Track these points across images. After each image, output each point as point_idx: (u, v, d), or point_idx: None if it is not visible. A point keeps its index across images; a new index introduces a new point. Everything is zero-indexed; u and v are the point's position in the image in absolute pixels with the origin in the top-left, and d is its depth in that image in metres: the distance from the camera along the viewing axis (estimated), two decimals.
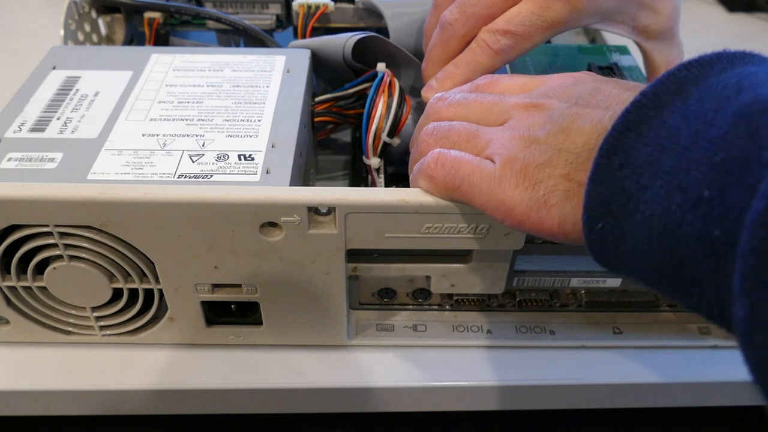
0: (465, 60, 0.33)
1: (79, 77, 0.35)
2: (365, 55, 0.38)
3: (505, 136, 0.25)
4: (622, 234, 0.21)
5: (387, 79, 0.34)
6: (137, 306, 0.30)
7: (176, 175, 0.29)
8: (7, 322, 0.31)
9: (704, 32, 0.59)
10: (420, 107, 0.38)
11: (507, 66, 0.43)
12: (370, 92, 0.34)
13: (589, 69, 0.41)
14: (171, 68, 0.36)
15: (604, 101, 0.24)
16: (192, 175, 0.29)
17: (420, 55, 0.38)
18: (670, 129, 0.20)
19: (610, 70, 0.41)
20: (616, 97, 0.24)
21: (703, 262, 0.18)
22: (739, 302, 0.16)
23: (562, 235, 0.23)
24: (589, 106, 0.24)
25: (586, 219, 0.22)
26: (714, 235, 0.18)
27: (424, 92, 0.34)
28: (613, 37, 0.52)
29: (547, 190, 0.23)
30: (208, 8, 0.44)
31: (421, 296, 0.33)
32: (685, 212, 0.18)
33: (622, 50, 0.45)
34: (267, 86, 0.34)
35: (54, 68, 0.36)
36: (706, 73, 0.20)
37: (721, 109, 0.19)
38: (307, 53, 0.37)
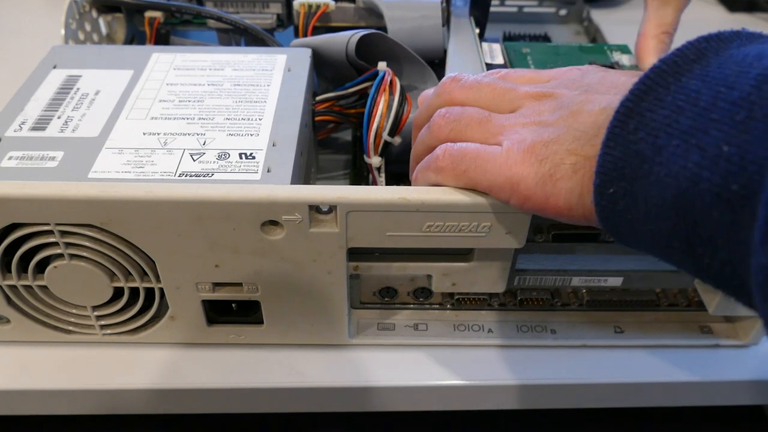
0: None
1: (79, 76, 0.35)
2: (367, 52, 0.38)
3: (517, 122, 0.26)
4: (634, 198, 0.21)
5: (388, 78, 0.34)
6: (138, 305, 0.30)
7: (177, 174, 0.29)
8: (8, 321, 0.31)
9: (704, 32, 0.59)
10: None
11: (507, 61, 0.43)
12: (371, 91, 0.34)
13: None
14: (172, 67, 0.36)
15: (612, 87, 0.24)
16: (193, 173, 0.29)
17: (419, 56, 0.38)
18: (688, 92, 0.20)
19: (612, 69, 0.41)
20: (624, 83, 0.24)
21: (719, 218, 0.18)
22: (761, 249, 0.16)
23: (567, 209, 0.23)
24: (598, 92, 0.24)
25: (598, 184, 0.21)
26: (732, 189, 0.18)
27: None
28: (613, 37, 0.52)
29: (553, 165, 0.23)
30: (209, 7, 0.44)
31: (422, 295, 0.33)
32: (702, 169, 0.18)
33: (623, 49, 0.45)
34: (268, 85, 0.34)
35: (55, 67, 0.36)
36: (726, 46, 0.21)
37: (742, 73, 0.19)
38: (308, 52, 0.37)
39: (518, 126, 0.25)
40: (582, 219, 0.23)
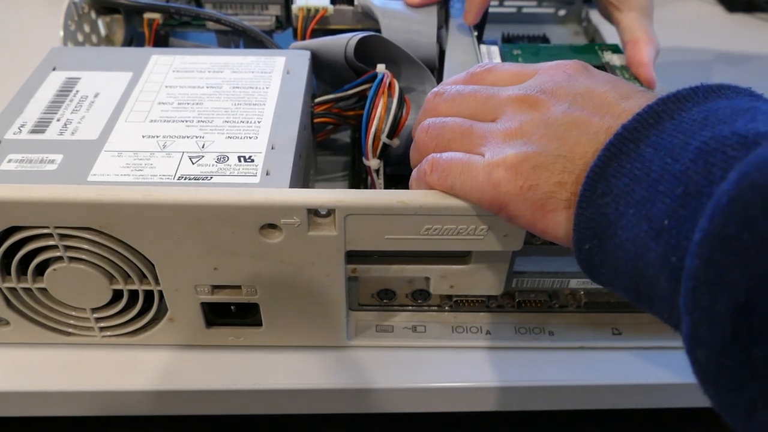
0: None
1: (79, 78, 0.35)
2: (366, 55, 0.38)
3: (498, 131, 0.26)
4: (605, 255, 0.22)
5: (387, 80, 0.34)
6: (137, 307, 0.30)
7: (176, 177, 0.29)
8: (8, 323, 0.31)
9: (704, 32, 0.59)
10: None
11: (499, 55, 0.43)
12: (370, 93, 0.34)
13: None
14: (171, 69, 0.36)
15: (599, 109, 0.24)
16: (192, 176, 0.29)
17: None
18: (643, 161, 0.21)
19: (602, 69, 0.41)
20: (612, 106, 0.24)
21: (665, 284, 0.20)
22: (684, 320, 0.18)
23: (554, 237, 0.25)
24: (584, 112, 0.24)
25: (576, 240, 0.23)
26: (672, 261, 0.19)
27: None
28: (612, 37, 0.52)
29: (544, 196, 0.24)
30: (208, 9, 0.44)
31: (420, 297, 0.33)
32: (650, 239, 0.20)
33: (614, 49, 0.45)
34: (267, 87, 0.35)
35: (54, 69, 0.36)
36: (680, 107, 0.22)
37: (686, 145, 0.20)
38: (307, 54, 0.37)
39: (499, 138, 0.26)
40: (567, 245, 0.24)
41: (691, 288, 0.18)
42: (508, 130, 0.26)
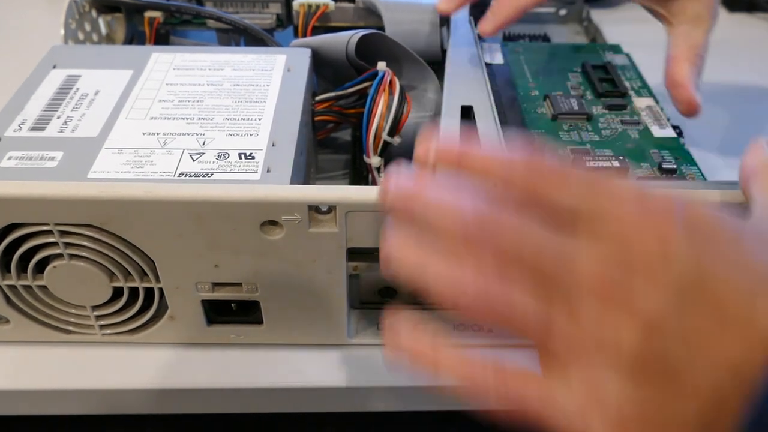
0: None
1: (79, 76, 0.35)
2: (367, 52, 0.38)
3: (587, 347, 0.18)
4: None
5: (387, 78, 0.34)
6: (137, 305, 0.30)
7: (177, 174, 0.29)
8: (7, 321, 0.31)
9: None
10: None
11: (502, 54, 0.43)
12: (371, 91, 0.34)
13: (584, 68, 0.41)
14: (171, 67, 0.36)
15: (722, 320, 0.17)
16: (192, 173, 0.29)
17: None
18: None
19: (604, 69, 0.41)
20: (740, 315, 0.16)
21: None
22: None
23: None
24: (696, 322, 0.17)
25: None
26: None
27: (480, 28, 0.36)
28: (613, 37, 0.52)
29: None
30: (209, 7, 0.44)
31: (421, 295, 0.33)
32: None
33: (616, 49, 0.45)
34: (267, 85, 0.34)
35: (54, 67, 0.36)
36: None
37: None
38: (308, 52, 0.37)
39: (589, 359, 0.18)
40: None
41: None
42: (603, 348, 0.18)
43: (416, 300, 0.33)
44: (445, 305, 0.20)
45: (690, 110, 0.33)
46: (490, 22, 0.36)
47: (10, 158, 0.29)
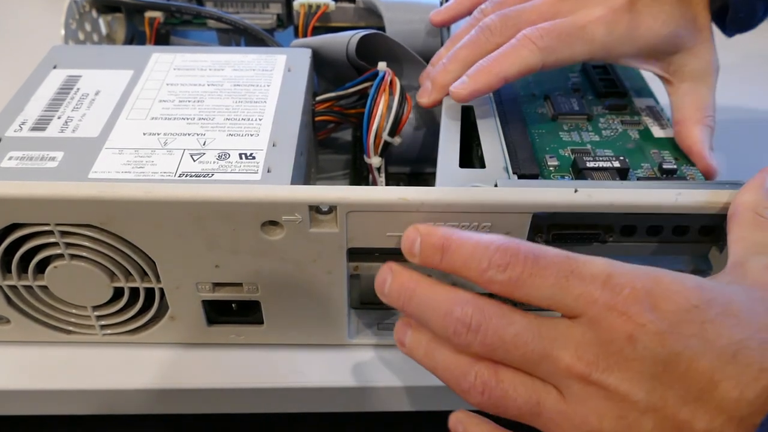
0: (504, 54, 0.31)
1: (79, 76, 0.35)
2: (368, 52, 0.38)
3: (575, 426, 0.21)
4: None
5: (388, 78, 0.34)
6: (138, 305, 0.30)
7: (177, 174, 0.29)
8: (8, 321, 0.31)
9: None
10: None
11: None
12: (371, 91, 0.34)
13: (584, 68, 0.41)
14: (172, 67, 0.36)
15: (695, 398, 0.18)
16: (193, 173, 0.29)
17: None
18: None
19: (604, 69, 0.41)
20: (712, 390, 0.18)
21: None
22: None
23: None
24: (674, 399, 0.19)
25: None
26: None
27: (454, 90, 0.31)
28: None
29: None
30: (209, 8, 0.44)
31: None
32: None
33: None
34: (268, 85, 0.34)
35: (55, 67, 0.36)
36: None
37: None
38: (308, 52, 0.37)
39: (576, 430, 0.21)
40: None
41: None
42: (587, 426, 0.20)
43: None
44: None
45: (708, 176, 0.31)
46: (466, 86, 0.31)
47: (10, 158, 0.29)
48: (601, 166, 0.31)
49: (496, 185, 0.28)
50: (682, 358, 0.19)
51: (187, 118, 0.32)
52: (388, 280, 0.25)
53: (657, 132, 0.35)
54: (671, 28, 0.32)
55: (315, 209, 0.27)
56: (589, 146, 0.34)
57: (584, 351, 0.20)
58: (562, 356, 0.21)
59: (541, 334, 0.21)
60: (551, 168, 0.32)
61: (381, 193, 0.26)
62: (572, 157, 0.32)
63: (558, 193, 0.27)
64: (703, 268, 0.31)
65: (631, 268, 0.21)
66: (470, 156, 0.34)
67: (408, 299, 0.24)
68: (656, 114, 0.37)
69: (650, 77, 0.41)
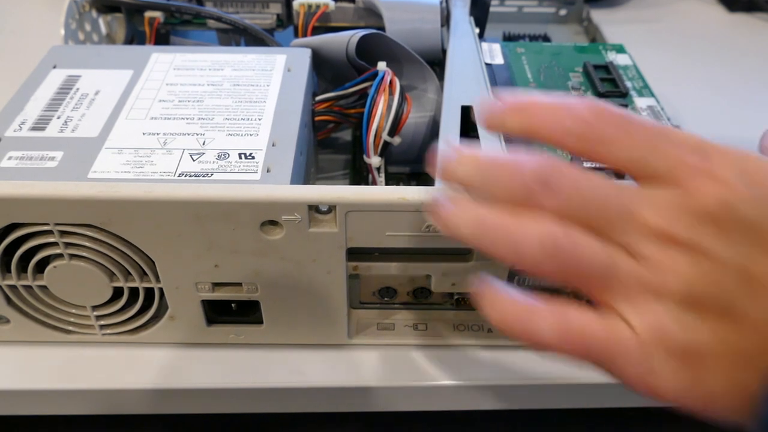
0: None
1: (79, 76, 0.35)
2: (368, 52, 0.38)
3: (647, 286, 0.19)
4: None
5: (388, 78, 0.34)
6: (137, 305, 0.30)
7: (177, 174, 0.29)
8: (7, 321, 0.31)
9: (704, 32, 0.59)
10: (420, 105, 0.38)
11: (502, 54, 0.43)
12: (371, 91, 0.34)
13: (585, 68, 0.41)
14: (171, 67, 0.36)
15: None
16: (192, 173, 0.29)
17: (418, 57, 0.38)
18: None
19: (606, 69, 0.41)
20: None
21: None
22: None
23: (714, 414, 0.19)
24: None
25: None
26: None
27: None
28: (613, 37, 0.52)
29: (714, 383, 0.18)
30: (209, 7, 0.44)
31: (421, 295, 0.33)
32: None
33: (619, 49, 0.45)
34: (267, 85, 0.34)
35: (54, 67, 0.36)
36: None
37: None
38: (308, 52, 0.37)
39: (650, 295, 0.19)
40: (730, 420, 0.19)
41: None
42: (661, 286, 0.19)
43: (416, 300, 0.33)
44: (506, 261, 0.20)
45: None
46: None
47: (10, 158, 0.29)
48: (599, 165, 0.31)
49: None
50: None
51: (187, 118, 0.32)
52: (450, 148, 0.22)
53: None
54: None
55: (314, 209, 0.27)
56: None
57: (669, 210, 0.19)
58: (645, 214, 0.19)
59: (622, 193, 0.20)
60: None
61: (380, 192, 0.26)
62: (570, 157, 0.33)
63: None
64: None
65: (720, 143, 0.20)
66: None
67: (470, 161, 0.21)
68: (657, 114, 0.37)
69: (650, 78, 0.41)
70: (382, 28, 0.41)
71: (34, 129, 0.31)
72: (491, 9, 0.48)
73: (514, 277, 0.31)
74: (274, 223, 0.27)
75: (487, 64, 0.40)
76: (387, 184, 0.35)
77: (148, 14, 0.44)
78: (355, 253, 0.29)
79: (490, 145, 0.31)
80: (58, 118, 0.32)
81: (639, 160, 0.20)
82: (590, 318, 0.20)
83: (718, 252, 0.18)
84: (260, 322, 0.31)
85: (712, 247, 0.18)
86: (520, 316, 0.20)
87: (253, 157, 0.30)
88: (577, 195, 0.20)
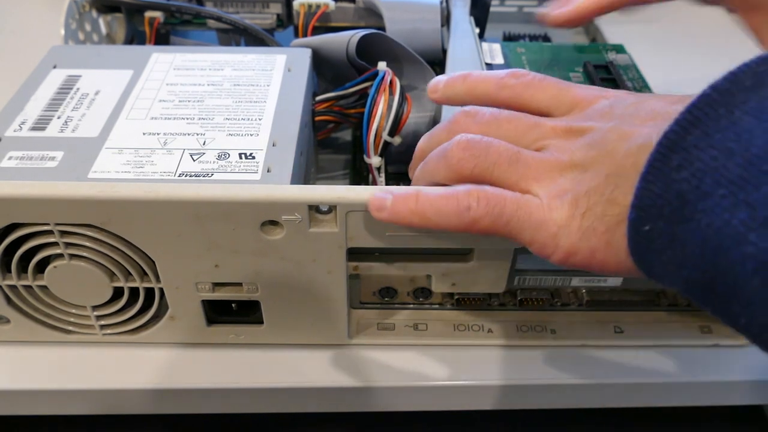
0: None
1: (79, 76, 0.35)
2: (367, 52, 0.38)
3: (551, 165, 0.24)
4: (671, 240, 0.19)
5: (388, 78, 0.34)
6: (138, 305, 0.30)
7: (177, 174, 0.29)
8: (8, 321, 0.31)
9: (704, 32, 0.59)
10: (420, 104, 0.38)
11: (501, 53, 0.43)
12: (371, 91, 0.34)
13: (585, 68, 0.41)
14: (171, 67, 0.36)
15: (650, 117, 0.22)
16: (193, 173, 0.29)
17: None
18: (740, 132, 0.17)
19: (606, 69, 0.41)
20: (665, 112, 0.22)
21: (761, 287, 0.17)
22: None
23: (615, 264, 0.22)
24: (634, 123, 0.22)
25: (633, 218, 0.20)
26: None
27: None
28: (613, 37, 0.52)
29: (596, 218, 0.22)
30: (209, 7, 0.44)
31: (421, 295, 0.33)
32: (748, 230, 0.17)
33: (619, 49, 0.45)
34: (268, 85, 0.34)
35: (54, 67, 0.36)
36: None
37: None
38: (308, 52, 0.37)
39: (554, 171, 0.23)
40: (632, 272, 0.22)
41: None
42: (560, 162, 0.23)
43: (416, 300, 0.33)
44: (448, 211, 0.24)
45: None
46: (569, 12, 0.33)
47: (10, 158, 0.29)
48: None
49: None
50: (644, 104, 0.23)
51: (187, 118, 0.32)
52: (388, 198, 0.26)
53: None
54: None
55: (315, 209, 0.27)
56: None
57: (569, 117, 0.25)
58: (549, 123, 0.25)
59: (532, 118, 0.26)
60: None
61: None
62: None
63: None
64: None
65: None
66: None
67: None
68: None
69: (650, 78, 0.41)
70: (383, 28, 0.41)
71: (34, 129, 0.31)
72: (491, 9, 0.48)
73: (515, 278, 0.31)
74: (274, 223, 0.27)
75: (487, 64, 0.40)
76: (387, 184, 0.35)
77: (148, 14, 0.44)
78: (355, 253, 0.29)
79: None
80: (58, 118, 0.32)
81: (551, 102, 0.26)
82: (504, 190, 0.24)
83: (601, 126, 0.23)
84: (260, 322, 0.31)
85: (596, 124, 0.24)
86: (448, 199, 0.24)
87: (254, 157, 0.30)
88: (493, 120, 0.26)
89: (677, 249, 0.19)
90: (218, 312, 0.31)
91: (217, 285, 0.30)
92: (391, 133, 0.34)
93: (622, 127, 0.22)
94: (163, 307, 0.31)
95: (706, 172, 0.18)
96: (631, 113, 0.23)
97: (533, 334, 0.33)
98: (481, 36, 0.46)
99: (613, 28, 0.53)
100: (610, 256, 0.22)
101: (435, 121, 0.38)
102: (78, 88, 0.34)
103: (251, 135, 0.31)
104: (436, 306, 0.34)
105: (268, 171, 0.29)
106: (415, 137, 0.38)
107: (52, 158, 0.29)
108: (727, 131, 0.18)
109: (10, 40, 0.56)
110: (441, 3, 0.42)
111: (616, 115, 0.23)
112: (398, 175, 0.40)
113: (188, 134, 0.31)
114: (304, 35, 0.43)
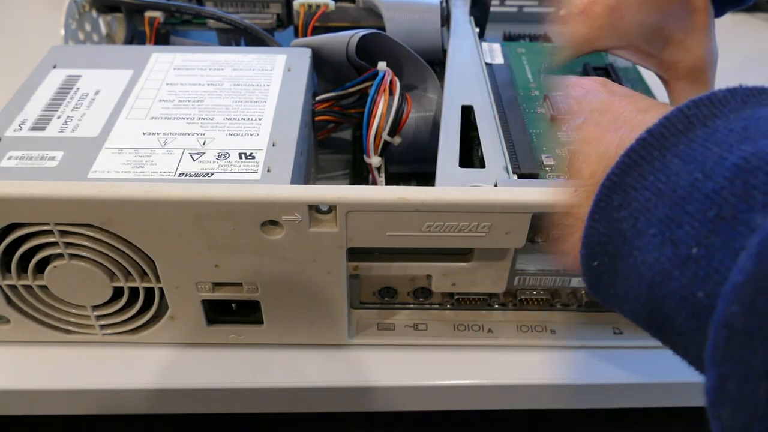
0: None
1: (79, 76, 0.35)
2: (367, 52, 0.38)
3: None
4: (615, 275, 0.20)
5: (388, 78, 0.34)
6: (138, 305, 0.30)
7: (177, 174, 0.29)
8: (8, 321, 0.31)
9: None
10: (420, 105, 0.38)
11: (502, 54, 0.43)
12: (371, 91, 0.34)
13: (585, 70, 0.41)
14: (171, 67, 0.36)
15: (613, 123, 0.23)
16: (193, 173, 0.29)
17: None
18: (669, 174, 0.19)
19: (606, 71, 0.41)
20: (628, 120, 0.23)
21: (686, 320, 0.18)
22: (708, 372, 0.16)
23: (574, 268, 0.23)
24: (598, 127, 0.23)
25: (584, 254, 0.21)
26: (697, 296, 0.17)
27: None
28: None
29: (559, 224, 0.23)
30: (209, 7, 0.44)
31: (421, 295, 0.33)
32: (673, 267, 0.18)
33: None
34: (268, 85, 0.34)
35: (54, 67, 0.36)
36: (715, 113, 0.19)
37: (721, 159, 0.18)
38: (308, 52, 0.37)
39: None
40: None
41: (724, 337, 0.15)
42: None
43: (416, 300, 0.33)
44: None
45: None
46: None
47: (10, 158, 0.29)
48: None
49: (496, 185, 0.28)
50: (612, 105, 0.24)
51: (187, 118, 0.32)
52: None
53: None
54: (654, 17, 0.30)
55: (315, 209, 0.27)
56: None
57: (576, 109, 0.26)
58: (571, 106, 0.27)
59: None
60: (547, 168, 0.32)
61: (381, 192, 0.26)
62: (569, 157, 0.32)
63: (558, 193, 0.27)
64: None
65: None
66: (470, 156, 0.34)
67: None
68: None
69: (650, 77, 0.41)
70: (383, 28, 0.40)
71: (34, 129, 0.31)
72: (491, 9, 0.48)
73: (515, 278, 0.31)
74: (274, 223, 0.27)
75: (487, 64, 0.40)
76: (387, 184, 0.35)
77: (148, 14, 0.44)
78: (355, 253, 0.29)
79: (489, 144, 0.31)
80: (58, 118, 0.32)
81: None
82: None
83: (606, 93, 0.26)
84: (260, 322, 0.31)
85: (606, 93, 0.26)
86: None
87: (254, 157, 0.30)
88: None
89: (621, 284, 0.20)
90: (218, 312, 0.31)
91: (217, 285, 0.30)
92: (391, 133, 0.34)
93: (587, 128, 0.24)
94: (163, 307, 0.31)
95: (641, 212, 0.19)
96: (599, 110, 0.24)
97: (533, 335, 0.33)
98: (481, 36, 0.46)
99: None
100: (570, 262, 0.23)
101: (435, 121, 0.38)
102: (78, 88, 0.34)
103: (251, 135, 0.31)
104: (436, 306, 0.34)
105: (268, 171, 0.29)
106: (415, 137, 0.38)
107: (52, 158, 0.29)
108: (659, 173, 0.19)
109: (10, 40, 0.56)
110: (441, 3, 0.42)
111: (585, 111, 0.25)
112: (398, 175, 0.40)
113: (188, 134, 0.31)
114: (304, 35, 0.43)
